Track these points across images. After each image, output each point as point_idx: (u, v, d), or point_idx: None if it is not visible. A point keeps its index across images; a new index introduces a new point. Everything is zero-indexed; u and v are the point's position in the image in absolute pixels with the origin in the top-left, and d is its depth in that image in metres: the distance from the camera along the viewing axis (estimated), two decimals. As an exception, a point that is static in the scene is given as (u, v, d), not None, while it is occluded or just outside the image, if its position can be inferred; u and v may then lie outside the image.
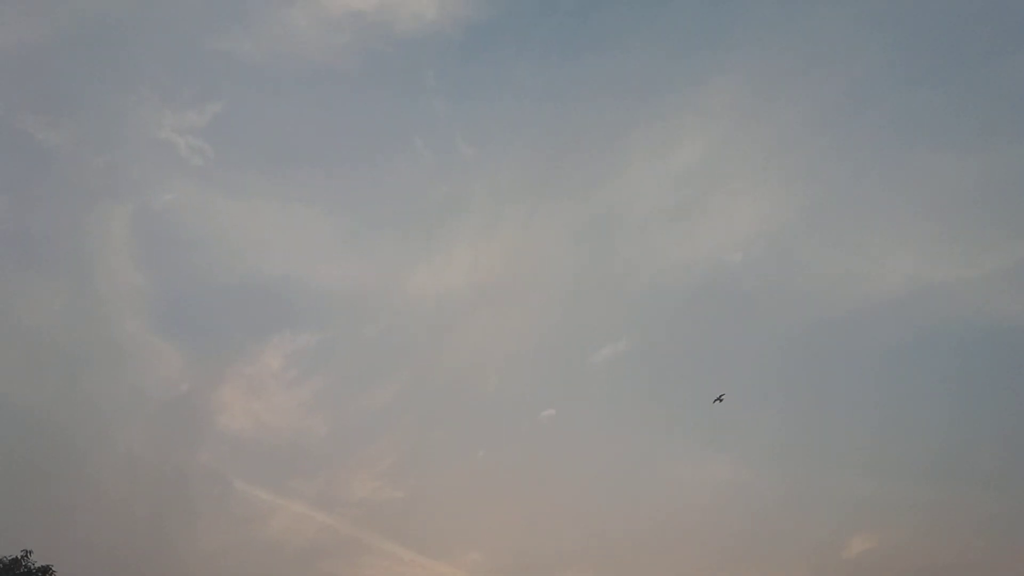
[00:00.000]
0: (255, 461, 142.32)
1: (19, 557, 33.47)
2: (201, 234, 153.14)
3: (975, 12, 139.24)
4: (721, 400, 50.48)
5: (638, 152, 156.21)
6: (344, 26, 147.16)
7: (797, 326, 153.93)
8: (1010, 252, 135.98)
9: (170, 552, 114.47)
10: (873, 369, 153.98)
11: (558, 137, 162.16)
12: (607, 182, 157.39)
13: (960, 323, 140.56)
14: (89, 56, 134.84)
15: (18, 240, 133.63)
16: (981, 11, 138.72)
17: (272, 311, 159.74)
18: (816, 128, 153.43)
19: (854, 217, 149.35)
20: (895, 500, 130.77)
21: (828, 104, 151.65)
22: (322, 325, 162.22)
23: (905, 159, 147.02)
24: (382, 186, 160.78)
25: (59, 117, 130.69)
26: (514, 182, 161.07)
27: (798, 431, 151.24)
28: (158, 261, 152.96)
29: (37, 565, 33.50)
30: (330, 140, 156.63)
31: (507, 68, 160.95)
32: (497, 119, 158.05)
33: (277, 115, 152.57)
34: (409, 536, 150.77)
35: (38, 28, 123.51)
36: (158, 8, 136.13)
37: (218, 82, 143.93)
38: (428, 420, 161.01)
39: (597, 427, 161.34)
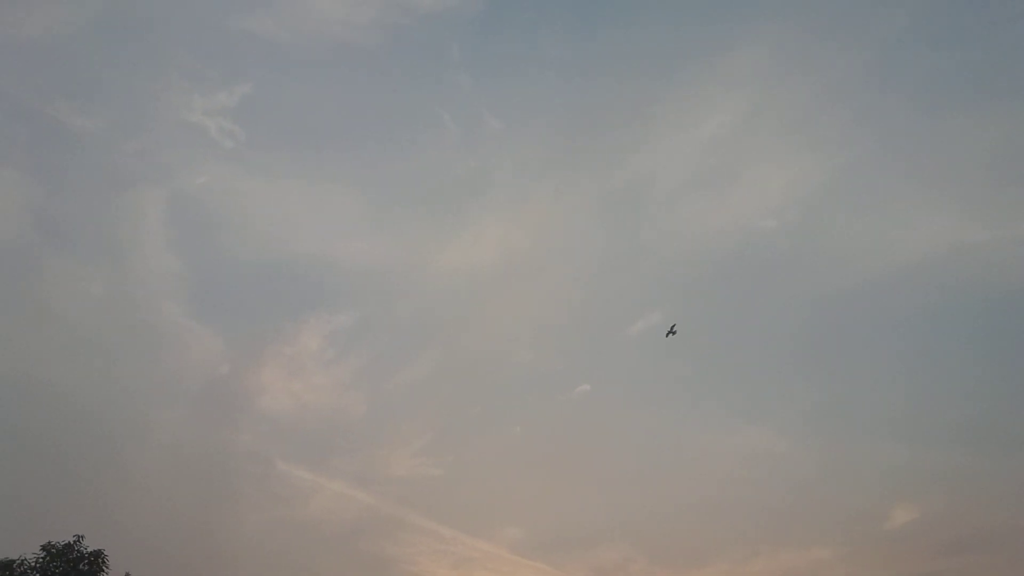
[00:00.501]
0: (296, 441, 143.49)
1: (72, 542, 33.83)
2: (234, 216, 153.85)
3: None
4: (674, 332, 46.39)
5: (666, 122, 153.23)
6: (368, 2, 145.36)
7: (830, 291, 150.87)
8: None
9: (215, 532, 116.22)
10: (908, 333, 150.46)
11: (584, 109, 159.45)
12: (635, 153, 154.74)
13: (993, 285, 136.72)
14: (118, 42, 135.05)
15: (54, 227, 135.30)
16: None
17: (307, 291, 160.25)
18: (845, 92, 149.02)
19: (885, 180, 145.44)
20: (936, 468, 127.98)
21: (856, 68, 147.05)
22: (356, 304, 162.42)
23: (934, 122, 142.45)
24: (410, 162, 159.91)
25: (90, 103, 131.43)
26: (541, 155, 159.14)
27: (835, 399, 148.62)
28: (193, 244, 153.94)
29: (89, 550, 33.84)
30: (357, 118, 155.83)
31: (531, 40, 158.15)
32: (523, 92, 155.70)
33: (304, 94, 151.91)
34: (448, 513, 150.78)
35: (67, 16, 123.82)
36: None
37: (246, 63, 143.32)
38: (463, 397, 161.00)
39: (632, 401, 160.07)
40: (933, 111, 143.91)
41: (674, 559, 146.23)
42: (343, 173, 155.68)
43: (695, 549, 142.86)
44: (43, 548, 33.46)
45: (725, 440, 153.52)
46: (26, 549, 33.15)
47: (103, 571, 34.10)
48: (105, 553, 34.39)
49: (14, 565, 32.49)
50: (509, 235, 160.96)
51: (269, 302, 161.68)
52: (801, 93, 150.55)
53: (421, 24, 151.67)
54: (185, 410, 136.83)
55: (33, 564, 32.90)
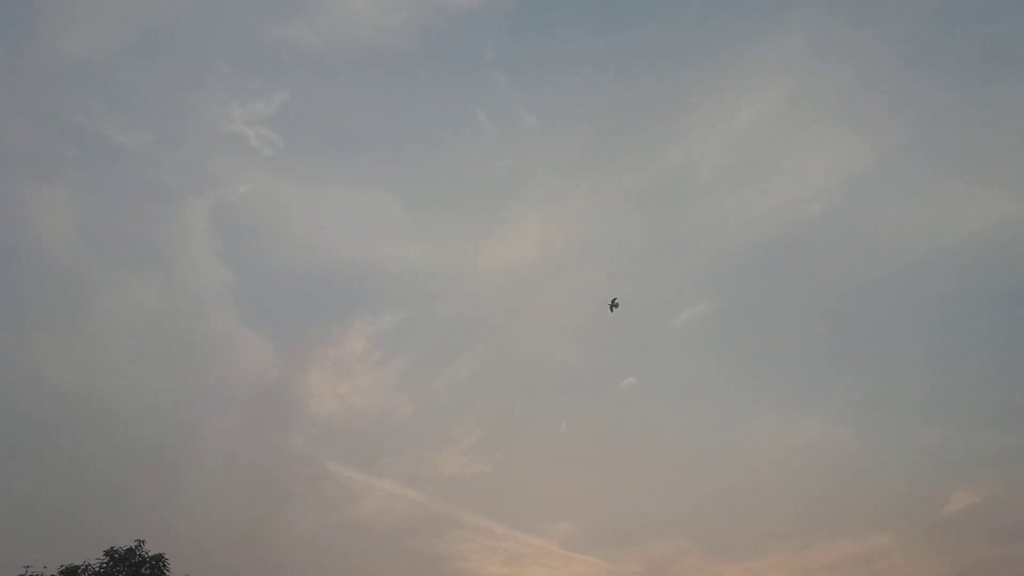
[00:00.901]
0: (345, 443, 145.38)
1: (133, 547, 34.64)
2: (277, 224, 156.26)
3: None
4: (616, 305, 44.00)
5: (702, 112, 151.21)
6: (400, 5, 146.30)
7: (882, 274, 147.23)
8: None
9: (270, 535, 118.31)
10: (960, 315, 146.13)
11: (619, 102, 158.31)
12: (672, 144, 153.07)
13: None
14: (158, 58, 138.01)
15: (103, 241, 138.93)
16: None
17: (350, 295, 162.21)
18: (884, 75, 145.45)
19: (930, 161, 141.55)
20: (995, 451, 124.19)
21: (893, 50, 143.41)
22: (399, 306, 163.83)
23: (977, 99, 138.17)
24: (447, 163, 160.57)
25: (134, 119, 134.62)
26: (577, 150, 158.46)
27: (887, 385, 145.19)
28: (238, 253, 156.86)
29: (150, 554, 34.60)
30: (393, 121, 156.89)
31: (565, 36, 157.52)
32: (557, 88, 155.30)
33: (340, 100, 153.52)
34: (499, 510, 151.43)
35: (109, 36, 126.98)
36: (218, 4, 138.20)
37: (281, 71, 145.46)
38: (508, 395, 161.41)
39: (680, 393, 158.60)
40: (975, 88, 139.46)
41: (728, 551, 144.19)
42: (381, 176, 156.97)
43: (750, 540, 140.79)
44: (106, 553, 34.30)
45: (777, 430, 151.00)
46: (90, 555, 34.04)
47: (164, 574, 34.79)
48: (166, 557, 35.13)
49: (79, 571, 33.34)
50: (548, 231, 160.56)
51: (314, 307, 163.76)
52: (839, 77, 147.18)
53: (454, 24, 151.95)
54: (237, 416, 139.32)
55: (97, 569, 33.74)
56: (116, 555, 34.24)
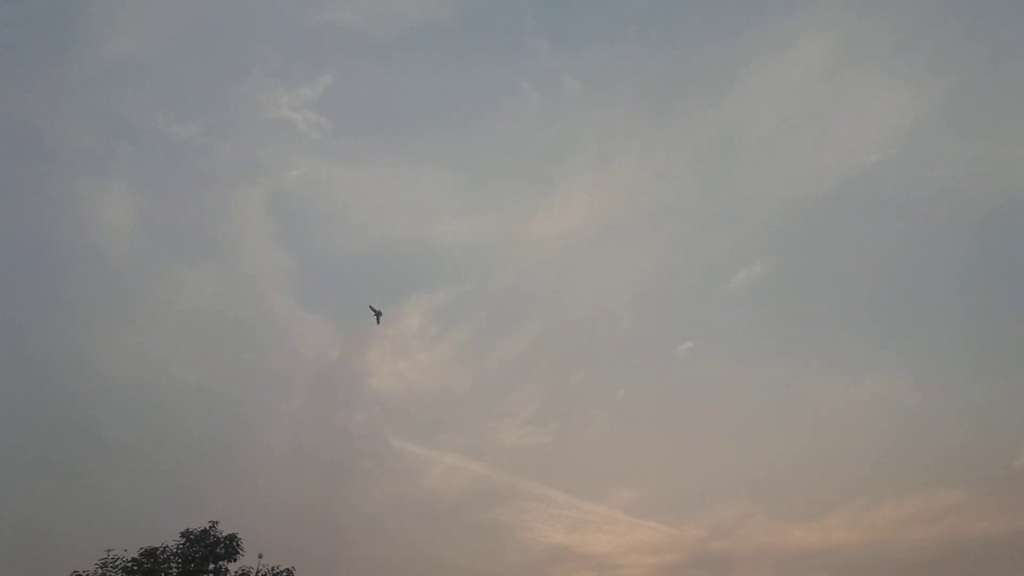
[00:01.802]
0: (407, 419, 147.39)
1: (207, 528, 35.68)
2: (328, 207, 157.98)
3: None
4: (378, 313, 43.83)
5: (752, 67, 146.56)
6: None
7: (945, 225, 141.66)
8: None
9: (338, 511, 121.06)
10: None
11: (665, 63, 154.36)
12: (724, 99, 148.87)
13: None
14: (202, 51, 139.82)
15: (164, 233, 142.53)
16: None
17: (404, 274, 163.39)
18: (941, 14, 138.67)
19: (997, 102, 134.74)
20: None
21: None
22: (453, 281, 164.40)
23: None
24: (493, 136, 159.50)
25: (184, 112, 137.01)
26: (625, 113, 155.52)
27: (956, 336, 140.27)
28: (293, 238, 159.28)
29: (224, 534, 35.63)
30: (437, 96, 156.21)
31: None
32: (600, 52, 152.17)
33: (383, 78, 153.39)
34: (560, 479, 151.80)
35: (152, 34, 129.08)
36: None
37: (324, 54, 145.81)
38: (565, 364, 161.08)
39: (739, 355, 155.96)
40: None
41: (795, 512, 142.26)
42: (429, 153, 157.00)
43: (816, 500, 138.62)
44: (182, 535, 35.48)
45: (838, 388, 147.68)
46: (167, 535, 35.28)
47: (238, 553, 35.81)
48: (239, 536, 36.14)
49: (158, 552, 34.57)
50: (598, 198, 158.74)
51: (369, 287, 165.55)
52: (894, 20, 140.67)
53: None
54: (301, 397, 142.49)
55: (175, 550, 34.92)
56: (192, 536, 35.37)
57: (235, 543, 35.93)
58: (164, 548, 34.98)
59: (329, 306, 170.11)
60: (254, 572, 35.81)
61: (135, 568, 34.00)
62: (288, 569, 35.88)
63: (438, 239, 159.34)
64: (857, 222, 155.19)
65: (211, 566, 35.19)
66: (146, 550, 34.77)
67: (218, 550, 35.50)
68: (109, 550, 34.00)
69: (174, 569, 34.47)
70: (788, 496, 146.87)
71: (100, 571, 33.58)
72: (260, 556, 36.35)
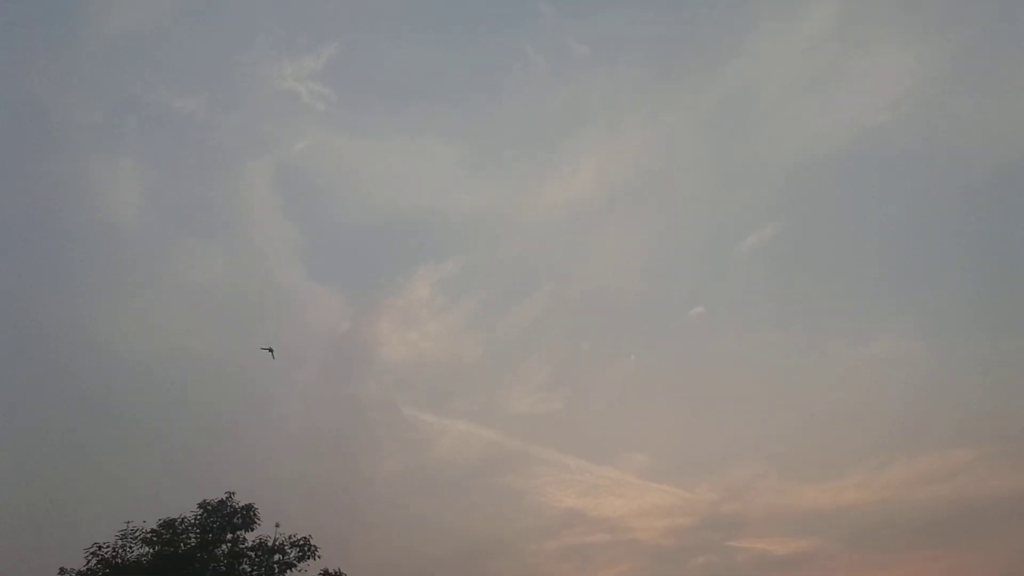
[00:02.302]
0: (418, 388, 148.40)
1: (224, 499, 36.02)
2: (336, 178, 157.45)
3: None
4: (270, 350, 43.88)
5: (762, 26, 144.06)
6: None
7: (957, 184, 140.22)
8: None
9: (352, 480, 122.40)
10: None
11: (673, 24, 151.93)
12: (732, 62, 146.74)
13: None
14: (204, 22, 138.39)
15: (172, 208, 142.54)
16: None
17: (413, 244, 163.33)
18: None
19: (1007, 59, 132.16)
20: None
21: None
22: (461, 251, 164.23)
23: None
24: (500, 103, 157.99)
25: (188, 84, 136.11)
26: (633, 77, 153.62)
27: (968, 295, 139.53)
28: (301, 210, 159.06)
29: (241, 504, 35.97)
30: (443, 64, 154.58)
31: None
32: (608, 14, 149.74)
33: (388, 47, 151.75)
34: (573, 444, 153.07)
35: (159, 7, 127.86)
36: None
37: (328, 23, 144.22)
38: (576, 331, 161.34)
39: (750, 319, 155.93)
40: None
41: (807, 473, 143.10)
42: (435, 123, 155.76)
43: (828, 461, 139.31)
44: (200, 506, 35.84)
45: (850, 349, 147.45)
46: (184, 508, 35.65)
47: (255, 522, 36.20)
48: (255, 507, 36.50)
49: (176, 523, 34.95)
50: (606, 164, 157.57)
51: (379, 258, 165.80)
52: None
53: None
54: (313, 369, 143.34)
55: (192, 521, 35.30)
56: (209, 507, 35.74)
57: (252, 513, 36.31)
58: (182, 519, 35.37)
59: (339, 277, 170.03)
60: (271, 541, 36.21)
61: (154, 539, 34.44)
62: (305, 537, 36.27)
63: (446, 209, 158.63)
64: (867, 182, 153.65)
65: (229, 536, 35.60)
66: (164, 521, 35.19)
67: (235, 520, 35.88)
68: (128, 522, 34.46)
69: (192, 539, 34.89)
70: (800, 457, 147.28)
71: (120, 542, 34.02)
72: (277, 525, 36.78)
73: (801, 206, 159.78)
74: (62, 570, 32.46)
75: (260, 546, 35.86)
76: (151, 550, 34.18)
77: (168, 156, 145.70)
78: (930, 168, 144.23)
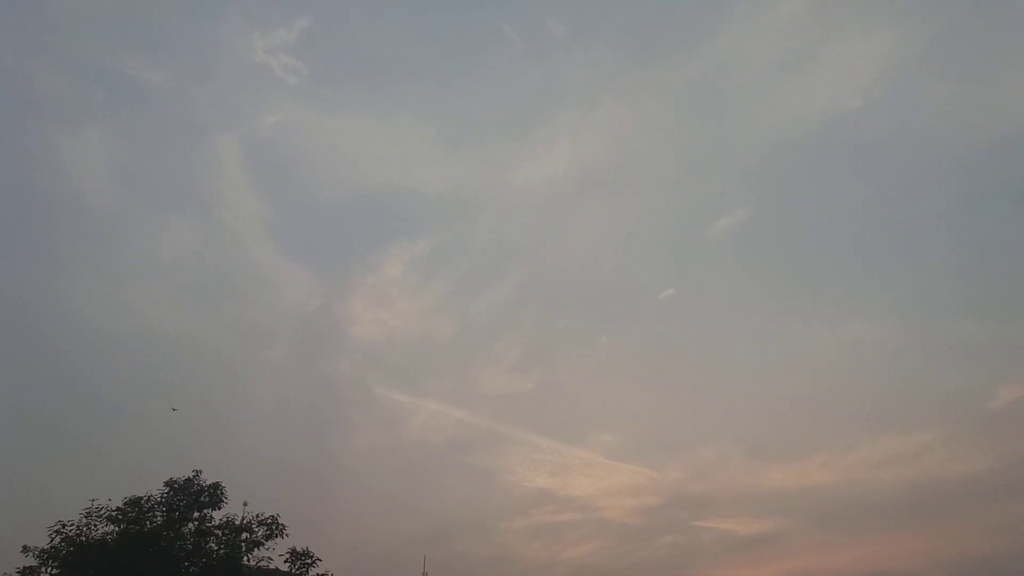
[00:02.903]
0: (390, 367, 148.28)
1: (191, 477, 35.85)
2: (308, 154, 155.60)
3: None
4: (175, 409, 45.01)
5: (738, 8, 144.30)
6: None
7: (926, 168, 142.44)
8: None
9: (323, 458, 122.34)
10: (1008, 210, 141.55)
11: (651, 4, 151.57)
12: (709, 43, 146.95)
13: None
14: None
15: (141, 182, 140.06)
16: None
17: (386, 222, 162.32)
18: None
19: (980, 45, 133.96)
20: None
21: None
22: (435, 230, 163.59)
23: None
24: (476, 81, 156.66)
25: (157, 56, 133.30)
26: (609, 57, 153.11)
27: (934, 281, 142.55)
28: (273, 186, 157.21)
29: (208, 483, 35.82)
30: (418, 40, 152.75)
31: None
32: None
33: (362, 21, 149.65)
34: (543, 424, 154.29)
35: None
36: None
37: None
38: (548, 312, 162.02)
39: (721, 301, 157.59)
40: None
41: (772, 453, 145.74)
42: (410, 100, 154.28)
43: (793, 442, 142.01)
44: (166, 484, 35.63)
45: (819, 333, 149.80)
46: (151, 486, 35.41)
47: (223, 501, 36.07)
48: (223, 485, 36.36)
49: (142, 501, 34.73)
50: (581, 145, 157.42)
51: (351, 236, 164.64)
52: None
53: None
54: (285, 345, 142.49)
55: (159, 499, 35.09)
56: (176, 485, 35.54)
57: (219, 491, 36.17)
58: (148, 497, 35.14)
59: (310, 255, 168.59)
60: (239, 519, 36.11)
61: (120, 517, 34.19)
62: (273, 516, 36.21)
63: (420, 187, 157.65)
64: (840, 167, 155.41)
65: (196, 514, 35.44)
66: (130, 499, 34.93)
67: (202, 498, 35.73)
68: (93, 499, 34.18)
69: (159, 517, 34.69)
70: (767, 438, 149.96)
71: (85, 520, 33.73)
72: (245, 504, 36.72)
73: (773, 189, 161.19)
74: (25, 547, 32.11)
75: (227, 524, 35.74)
76: (116, 528, 33.94)
77: (136, 129, 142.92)
78: (902, 153, 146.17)
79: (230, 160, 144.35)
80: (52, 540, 32.49)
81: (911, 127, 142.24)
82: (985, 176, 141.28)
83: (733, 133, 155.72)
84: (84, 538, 33.06)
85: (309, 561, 35.91)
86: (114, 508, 34.39)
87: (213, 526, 35.57)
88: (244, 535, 35.51)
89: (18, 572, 31.35)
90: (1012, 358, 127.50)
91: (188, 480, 35.62)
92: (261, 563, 35.64)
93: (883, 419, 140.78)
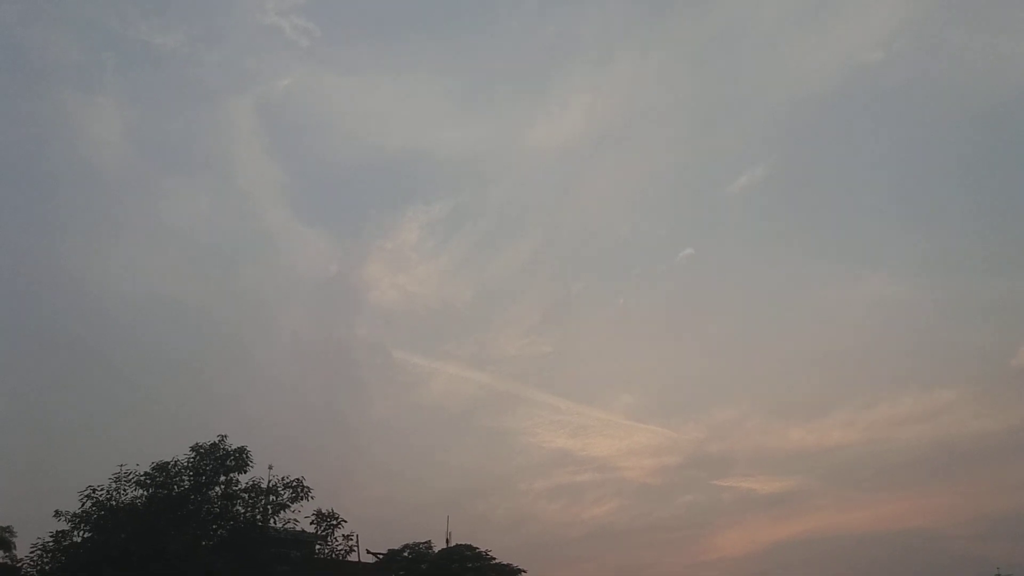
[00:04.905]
0: (408, 330, 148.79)
1: (216, 442, 36.15)
2: (322, 116, 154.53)
3: None
4: None
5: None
6: None
7: (949, 121, 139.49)
8: None
9: (344, 422, 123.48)
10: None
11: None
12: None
13: None
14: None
15: (157, 147, 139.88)
16: None
17: (401, 184, 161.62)
18: None
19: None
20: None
21: None
22: (451, 192, 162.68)
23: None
24: (489, 37, 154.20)
25: (168, 20, 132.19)
26: (625, 10, 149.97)
27: (958, 236, 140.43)
28: (287, 149, 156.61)
29: (233, 447, 36.12)
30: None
31: None
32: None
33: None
34: (562, 386, 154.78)
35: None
36: None
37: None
38: (566, 274, 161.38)
39: (740, 260, 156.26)
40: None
41: (792, 413, 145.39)
42: (422, 59, 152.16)
43: (813, 401, 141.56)
44: (192, 449, 35.97)
45: (839, 290, 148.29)
46: (175, 451, 35.78)
47: (248, 465, 36.40)
48: (248, 449, 36.66)
49: (169, 466, 35.12)
50: (597, 102, 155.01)
51: (367, 199, 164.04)
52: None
53: None
54: (303, 310, 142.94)
55: (185, 464, 35.48)
56: (201, 450, 35.86)
57: (245, 456, 36.49)
58: (175, 462, 35.53)
59: (325, 219, 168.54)
60: (265, 482, 36.50)
61: (148, 481, 34.64)
62: (298, 479, 36.56)
63: (435, 148, 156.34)
64: (862, 120, 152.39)
65: (222, 478, 35.82)
66: (158, 464, 35.35)
67: (228, 462, 36.07)
68: (121, 465, 34.61)
69: (186, 481, 35.12)
70: (788, 397, 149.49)
71: (114, 485, 34.23)
72: (270, 467, 37.06)
73: (793, 145, 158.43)
74: (57, 512, 32.68)
75: (253, 488, 36.14)
76: (145, 492, 34.43)
77: (148, 94, 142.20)
78: (925, 105, 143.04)
79: (243, 124, 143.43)
80: (83, 504, 33.03)
81: (934, 79, 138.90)
82: (1010, 128, 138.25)
83: (752, 87, 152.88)
84: (114, 502, 33.57)
85: (335, 523, 36.32)
86: (142, 473, 34.82)
87: (239, 489, 36.00)
88: (270, 498, 35.90)
89: (51, 536, 31.88)
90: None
91: (214, 445, 35.96)
92: (287, 525, 36.08)
93: (905, 377, 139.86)
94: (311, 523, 36.16)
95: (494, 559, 49.68)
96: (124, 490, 34.16)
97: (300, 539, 36.65)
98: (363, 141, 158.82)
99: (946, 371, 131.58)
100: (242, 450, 36.54)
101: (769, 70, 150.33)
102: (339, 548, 36.50)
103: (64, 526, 32.44)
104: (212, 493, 35.52)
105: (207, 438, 36.42)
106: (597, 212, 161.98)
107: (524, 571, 49.66)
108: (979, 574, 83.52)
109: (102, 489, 33.62)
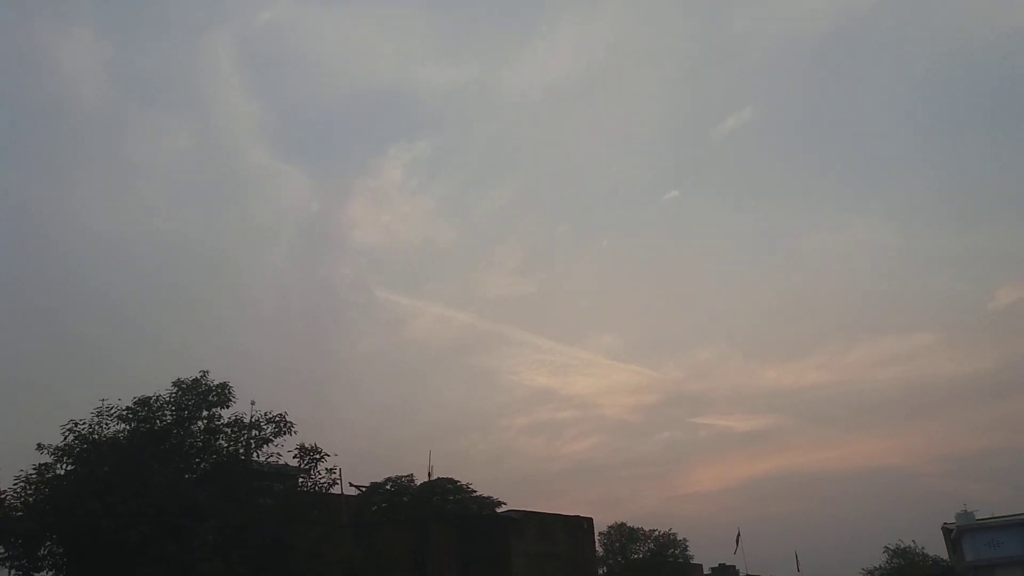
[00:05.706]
0: (392, 270, 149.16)
1: (199, 377, 36.30)
2: (304, 51, 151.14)
3: None
4: None
5: None
6: None
7: (939, 63, 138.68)
8: None
9: (327, 360, 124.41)
10: (1014, 114, 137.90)
11: None
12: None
13: None
14: None
15: (133, 83, 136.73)
16: None
17: (385, 122, 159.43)
18: None
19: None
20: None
21: None
22: (435, 131, 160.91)
23: None
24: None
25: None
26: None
27: (940, 183, 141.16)
28: (268, 85, 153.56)
29: (215, 383, 36.30)
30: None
31: None
32: None
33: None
34: (544, 326, 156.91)
35: None
36: None
37: None
38: (550, 215, 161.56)
39: (726, 203, 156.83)
40: None
41: (771, 354, 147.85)
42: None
43: (792, 343, 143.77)
44: (174, 384, 36.12)
45: (826, 234, 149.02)
46: (159, 386, 35.90)
47: (230, 400, 36.65)
48: (230, 385, 36.85)
49: (151, 400, 35.32)
50: (584, 41, 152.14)
51: (349, 136, 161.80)
52: None
53: None
54: (285, 249, 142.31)
55: (168, 399, 35.68)
56: (183, 385, 36.01)
57: (227, 391, 36.68)
58: (157, 397, 35.68)
59: (307, 157, 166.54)
60: (247, 417, 36.81)
61: (130, 416, 34.83)
62: (281, 414, 36.88)
63: (419, 85, 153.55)
64: (849, 67, 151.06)
65: (204, 413, 36.08)
66: (140, 399, 35.48)
67: (210, 398, 36.25)
68: (103, 399, 34.70)
69: (168, 416, 35.34)
70: (765, 339, 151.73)
71: (97, 419, 34.36)
72: (252, 403, 37.31)
73: (782, 88, 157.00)
74: (39, 445, 32.87)
75: (236, 423, 36.44)
76: (127, 427, 34.65)
77: (128, 28, 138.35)
78: (914, 52, 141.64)
79: (223, 59, 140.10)
80: (66, 438, 33.20)
81: (926, 17, 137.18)
82: (998, 75, 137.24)
83: (742, 30, 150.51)
84: (97, 436, 33.79)
85: (318, 456, 36.80)
86: (124, 407, 35.00)
87: (222, 424, 36.30)
88: (253, 432, 36.29)
89: (34, 468, 32.16)
90: (1014, 261, 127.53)
91: (196, 380, 36.09)
92: (270, 459, 36.56)
93: (883, 321, 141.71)
94: (294, 457, 36.64)
95: (475, 492, 50.87)
96: (106, 424, 34.35)
97: (283, 472, 37.18)
98: (346, 77, 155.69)
99: (924, 316, 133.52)
100: (224, 385, 36.70)
101: (760, 12, 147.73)
102: (322, 481, 37.07)
103: (47, 459, 32.66)
104: (195, 427, 35.81)
105: (190, 373, 36.60)
106: (583, 153, 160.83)
107: (504, 503, 50.93)
108: (947, 510, 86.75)
109: (84, 423, 33.78)
